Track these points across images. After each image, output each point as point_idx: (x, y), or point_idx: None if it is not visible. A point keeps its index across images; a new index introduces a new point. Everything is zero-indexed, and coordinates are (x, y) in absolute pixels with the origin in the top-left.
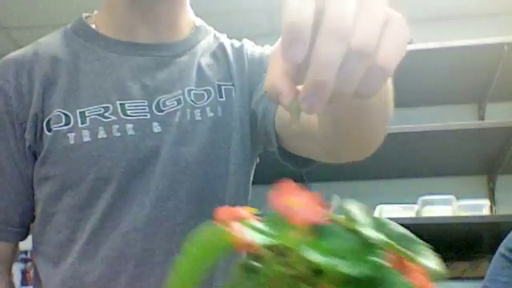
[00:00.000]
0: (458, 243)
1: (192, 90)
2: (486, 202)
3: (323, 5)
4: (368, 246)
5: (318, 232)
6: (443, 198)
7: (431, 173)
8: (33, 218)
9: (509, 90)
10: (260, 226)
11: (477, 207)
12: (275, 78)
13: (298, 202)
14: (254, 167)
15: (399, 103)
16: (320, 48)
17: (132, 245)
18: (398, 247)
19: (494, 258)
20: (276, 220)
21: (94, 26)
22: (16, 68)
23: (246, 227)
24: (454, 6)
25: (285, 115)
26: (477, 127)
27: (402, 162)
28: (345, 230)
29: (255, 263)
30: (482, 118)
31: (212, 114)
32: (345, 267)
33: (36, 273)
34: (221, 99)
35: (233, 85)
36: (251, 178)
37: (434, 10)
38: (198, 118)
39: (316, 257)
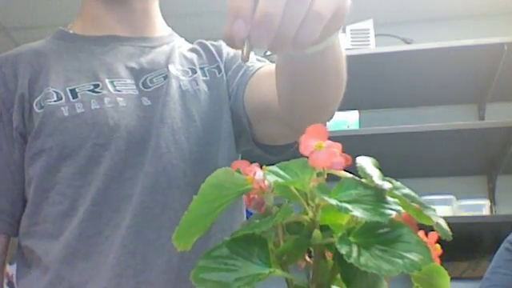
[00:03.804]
0: (457, 243)
1: (176, 66)
2: (486, 202)
3: None
4: (383, 200)
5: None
6: (443, 198)
7: (431, 173)
8: (22, 212)
9: (509, 90)
10: (277, 170)
11: (477, 207)
12: (229, 26)
13: (323, 147)
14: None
15: (399, 103)
16: None
17: (132, 199)
18: (414, 205)
19: (497, 252)
20: (296, 168)
21: (71, 32)
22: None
23: (263, 171)
24: (453, 5)
25: (254, 91)
26: (477, 127)
27: (402, 162)
28: (360, 184)
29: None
30: (482, 118)
31: (198, 87)
32: (358, 212)
33: (23, 260)
34: (204, 78)
35: (217, 67)
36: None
37: (434, 10)
38: (184, 88)
39: (331, 200)
